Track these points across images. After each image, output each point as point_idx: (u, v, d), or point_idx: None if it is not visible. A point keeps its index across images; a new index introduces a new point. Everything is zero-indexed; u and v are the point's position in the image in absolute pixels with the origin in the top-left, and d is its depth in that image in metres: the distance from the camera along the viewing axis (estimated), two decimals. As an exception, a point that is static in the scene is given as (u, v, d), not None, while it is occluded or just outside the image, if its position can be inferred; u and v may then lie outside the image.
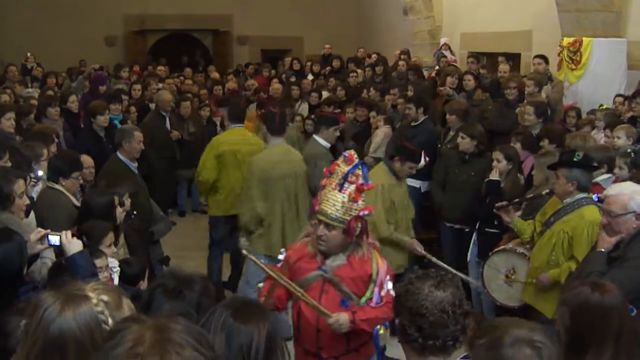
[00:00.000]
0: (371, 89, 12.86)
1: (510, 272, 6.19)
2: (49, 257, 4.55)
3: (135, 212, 6.05)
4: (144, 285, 5.08)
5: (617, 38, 10.73)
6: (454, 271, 6.09)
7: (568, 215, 5.57)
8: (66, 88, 13.78)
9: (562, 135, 7.65)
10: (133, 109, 11.45)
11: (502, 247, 6.43)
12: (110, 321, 2.34)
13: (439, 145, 8.83)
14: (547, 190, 5.97)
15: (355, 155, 4.32)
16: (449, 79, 10.82)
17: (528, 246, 6.12)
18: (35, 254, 4.28)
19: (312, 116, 11.06)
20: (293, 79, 14.80)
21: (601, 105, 9.54)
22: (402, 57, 15.25)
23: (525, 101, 9.15)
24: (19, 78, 14.11)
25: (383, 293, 4.28)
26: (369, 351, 4.54)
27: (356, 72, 14.78)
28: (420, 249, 6.82)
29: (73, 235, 4.16)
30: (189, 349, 1.77)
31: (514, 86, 9.61)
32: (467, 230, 7.43)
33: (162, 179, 10.10)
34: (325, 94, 13.25)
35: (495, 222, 6.72)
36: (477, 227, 7.14)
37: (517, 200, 6.37)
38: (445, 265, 6.39)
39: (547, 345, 2.28)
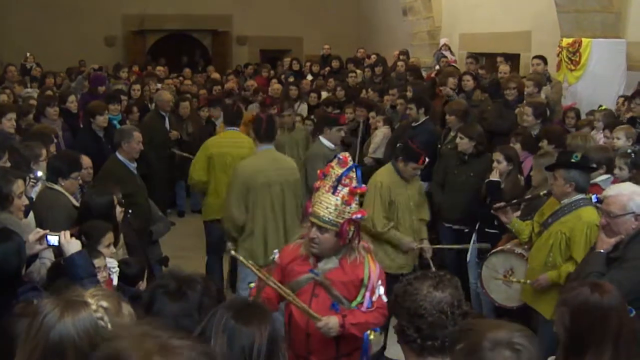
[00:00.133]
0: (369, 89, 12.87)
1: (509, 272, 6.19)
2: (48, 257, 4.55)
3: (130, 211, 6.02)
4: (143, 285, 5.09)
5: (617, 39, 10.72)
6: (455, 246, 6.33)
7: (566, 216, 5.56)
8: (65, 88, 13.78)
9: (561, 135, 7.65)
10: (135, 109, 11.45)
11: (500, 247, 6.43)
12: (110, 327, 2.34)
13: (439, 146, 8.83)
14: (545, 191, 5.97)
15: (350, 158, 4.28)
16: (450, 80, 10.81)
17: (526, 247, 6.12)
18: (34, 254, 4.27)
19: (312, 117, 11.06)
20: (291, 79, 14.81)
21: (600, 106, 9.53)
22: (401, 57, 15.24)
23: (524, 102, 9.15)
24: (18, 78, 14.12)
25: (374, 298, 4.25)
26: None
27: (355, 72, 14.79)
28: (414, 246, 6.82)
29: (72, 236, 4.16)
30: None
31: (514, 87, 9.62)
32: (466, 230, 7.42)
33: (160, 179, 10.11)
34: (324, 94, 13.25)
35: (495, 223, 6.72)
36: (476, 227, 7.14)
37: (515, 201, 6.37)
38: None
39: (527, 347, 2.26)
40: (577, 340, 3.24)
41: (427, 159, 6.87)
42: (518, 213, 6.38)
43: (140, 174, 7.54)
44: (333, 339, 4.24)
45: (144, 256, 6.11)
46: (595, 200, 5.50)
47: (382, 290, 4.28)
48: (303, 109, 12.43)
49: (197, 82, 16.26)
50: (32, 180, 5.92)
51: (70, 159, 6.37)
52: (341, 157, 4.27)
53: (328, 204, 4.18)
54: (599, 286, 3.37)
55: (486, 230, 6.99)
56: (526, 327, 2.44)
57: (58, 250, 4.26)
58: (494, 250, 6.43)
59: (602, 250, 4.72)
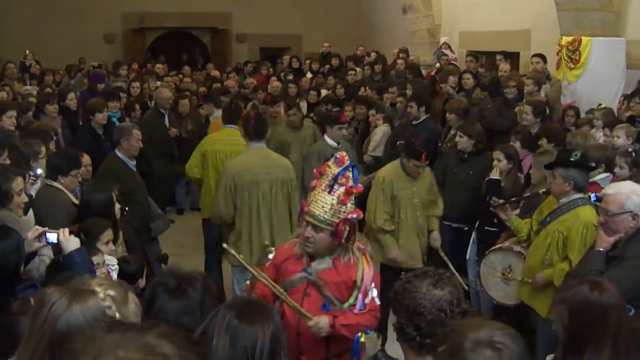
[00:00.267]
0: (367, 87, 12.86)
1: (507, 270, 6.19)
2: (47, 254, 4.55)
3: (127, 208, 6.01)
4: (142, 283, 5.09)
5: (616, 37, 10.73)
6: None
7: (564, 215, 5.54)
8: (65, 86, 13.77)
9: (560, 134, 7.65)
10: (137, 106, 11.46)
11: (499, 245, 6.44)
12: (117, 316, 2.33)
13: (440, 144, 8.83)
14: (544, 190, 5.96)
15: (347, 157, 4.25)
16: (451, 78, 10.81)
17: (525, 245, 6.11)
18: (33, 251, 4.28)
19: (311, 115, 11.06)
20: (290, 77, 14.81)
21: (600, 104, 9.54)
22: (400, 55, 15.24)
23: (524, 100, 9.15)
24: (17, 75, 14.12)
25: (367, 300, 4.22)
26: None
27: (355, 70, 14.80)
28: (396, 256, 6.87)
29: (71, 233, 4.16)
30: None
31: (513, 85, 9.62)
32: (466, 229, 7.43)
33: (160, 177, 10.10)
34: (323, 92, 13.25)
35: (495, 221, 6.73)
36: (476, 225, 7.15)
37: (514, 198, 6.38)
38: None
39: (508, 345, 2.25)
40: (576, 339, 3.25)
41: (428, 157, 6.92)
42: (517, 211, 6.38)
43: (140, 172, 7.53)
44: (323, 339, 4.21)
45: (143, 254, 6.11)
46: (594, 198, 5.49)
47: (375, 292, 4.25)
48: (302, 106, 12.42)
49: (197, 79, 16.26)
50: (31, 177, 5.92)
51: (70, 157, 6.36)
52: (338, 156, 4.23)
53: (324, 203, 4.15)
54: (598, 284, 3.37)
55: (485, 228, 7.00)
56: (508, 326, 2.41)
57: (57, 247, 4.26)
58: (492, 248, 6.43)
59: (601, 249, 4.72)
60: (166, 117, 10.82)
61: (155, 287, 3.00)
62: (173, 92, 12.37)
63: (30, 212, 5.48)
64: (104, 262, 4.63)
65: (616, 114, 9.07)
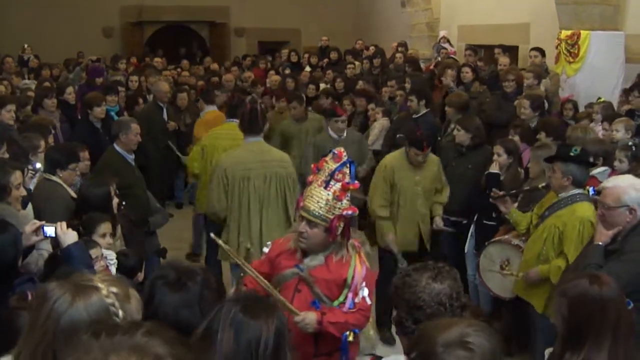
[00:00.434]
0: (360, 82, 12.83)
1: (505, 263, 6.19)
2: (46, 248, 4.54)
3: (124, 203, 5.99)
4: (141, 277, 5.09)
5: (615, 31, 10.72)
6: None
7: (561, 210, 5.53)
8: (63, 79, 13.76)
9: (558, 128, 7.66)
10: (140, 100, 11.46)
11: (498, 237, 6.45)
12: (120, 313, 2.33)
13: (439, 138, 8.82)
14: (544, 184, 5.96)
15: (344, 153, 4.20)
16: (449, 72, 10.80)
17: (524, 238, 6.11)
18: (31, 245, 4.27)
19: (309, 108, 11.04)
20: (287, 71, 14.80)
21: (599, 98, 9.53)
22: (399, 49, 15.23)
23: (523, 94, 9.15)
24: (15, 69, 14.10)
25: (357, 300, 4.19)
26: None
27: (354, 64, 14.78)
28: (393, 247, 6.97)
29: (68, 227, 4.15)
30: None
31: (512, 79, 9.62)
32: (464, 222, 7.43)
33: (158, 171, 10.10)
34: (322, 86, 13.23)
35: (493, 215, 6.74)
36: (475, 219, 7.15)
37: (513, 191, 6.37)
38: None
39: (480, 344, 2.23)
40: (576, 332, 3.24)
41: (430, 146, 7.01)
42: (515, 204, 6.38)
43: (138, 165, 7.52)
44: (312, 336, 4.18)
45: (141, 248, 6.12)
46: (593, 192, 5.49)
47: (366, 292, 4.21)
48: (300, 100, 12.42)
49: (195, 73, 16.23)
50: (30, 171, 5.92)
51: (68, 151, 6.36)
52: (336, 151, 4.20)
53: (319, 198, 4.11)
54: (598, 278, 3.37)
55: (484, 222, 7.00)
56: (479, 322, 2.39)
57: (56, 241, 4.25)
58: (492, 240, 6.44)
59: (600, 243, 4.72)
60: (164, 110, 10.81)
61: (155, 280, 3.00)
62: (171, 86, 12.35)
63: (29, 206, 5.48)
64: (102, 255, 4.62)
65: (616, 108, 9.07)
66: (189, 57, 19.57)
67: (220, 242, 4.42)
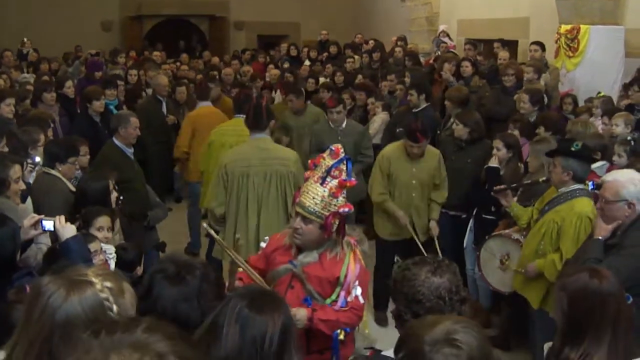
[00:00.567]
0: (359, 76, 12.82)
1: (505, 258, 6.20)
2: (45, 242, 4.54)
3: (122, 198, 5.98)
4: (140, 270, 5.09)
5: (615, 26, 10.70)
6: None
7: (561, 205, 5.50)
8: (62, 73, 13.75)
9: (557, 122, 7.65)
10: (144, 93, 11.45)
11: (499, 232, 6.44)
12: (115, 307, 2.33)
13: (438, 132, 8.82)
14: (545, 178, 5.95)
15: (342, 150, 4.16)
16: (446, 66, 10.80)
17: (524, 233, 6.10)
18: (29, 239, 4.27)
19: (308, 102, 11.03)
20: (286, 65, 14.79)
21: (599, 92, 9.52)
22: (398, 43, 15.21)
23: (523, 88, 9.15)
24: (14, 63, 14.09)
25: (350, 298, 4.16)
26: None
27: (353, 58, 14.77)
28: (405, 222, 7.09)
29: (67, 221, 4.15)
30: None
31: (512, 73, 9.61)
32: (464, 216, 7.43)
33: (158, 165, 10.09)
34: (321, 80, 13.22)
35: (492, 209, 6.74)
36: (474, 213, 7.15)
37: (514, 185, 6.36)
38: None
39: (468, 341, 2.21)
40: (575, 326, 3.24)
41: (425, 140, 6.98)
42: (515, 199, 6.37)
43: (137, 159, 7.51)
44: (304, 333, 4.13)
45: (141, 241, 6.11)
46: (592, 187, 5.48)
47: (359, 291, 4.18)
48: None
49: (194, 67, 16.22)
50: (30, 165, 5.91)
51: (67, 144, 6.36)
52: (333, 148, 4.16)
53: (315, 194, 4.08)
54: (598, 272, 3.37)
55: (483, 216, 7.00)
56: (466, 319, 2.38)
57: (55, 235, 4.25)
58: (493, 234, 6.44)
59: (600, 237, 4.72)
60: (164, 104, 10.80)
61: (155, 274, 3.00)
62: (170, 80, 12.35)
63: (29, 199, 5.48)
64: (101, 249, 4.62)
65: (615, 103, 9.06)
66: (188, 51, 19.55)
67: (211, 231, 4.42)
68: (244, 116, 6.85)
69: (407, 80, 10.56)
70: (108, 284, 2.37)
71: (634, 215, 4.65)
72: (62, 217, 4.15)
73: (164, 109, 10.76)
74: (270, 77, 13.11)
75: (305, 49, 17.00)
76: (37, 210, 5.15)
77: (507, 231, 6.33)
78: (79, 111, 9.98)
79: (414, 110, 9.17)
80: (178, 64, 16.41)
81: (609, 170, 6.22)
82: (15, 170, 4.87)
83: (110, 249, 4.86)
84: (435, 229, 7.22)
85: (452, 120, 8.52)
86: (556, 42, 11.04)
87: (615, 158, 6.52)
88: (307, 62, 15.95)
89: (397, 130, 8.83)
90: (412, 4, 17.33)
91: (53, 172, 5.95)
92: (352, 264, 4.19)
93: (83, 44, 17.69)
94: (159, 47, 19.23)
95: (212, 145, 7.79)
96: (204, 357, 2.42)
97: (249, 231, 6.13)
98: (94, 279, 2.36)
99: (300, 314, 4.06)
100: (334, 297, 4.18)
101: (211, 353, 2.46)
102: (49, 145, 6.32)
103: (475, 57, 12.41)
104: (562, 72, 10.77)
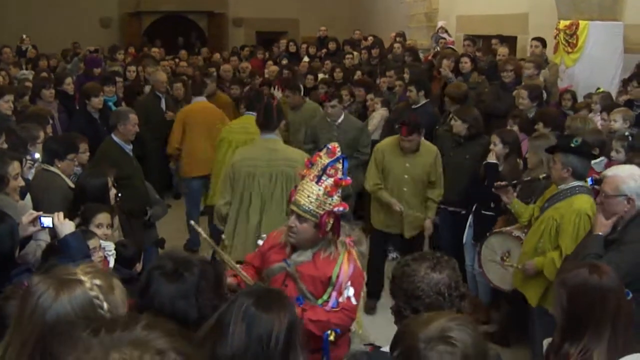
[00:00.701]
0: (358, 72, 12.81)
1: (505, 255, 6.19)
2: (43, 239, 4.53)
3: (120, 195, 5.97)
4: (139, 267, 5.09)
5: (614, 21, 10.70)
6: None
7: (560, 202, 5.50)
8: (61, 70, 13.73)
9: (556, 118, 7.65)
10: (147, 89, 11.45)
11: (500, 229, 6.44)
12: (105, 305, 2.33)
13: (437, 128, 8.81)
14: (544, 174, 5.94)
15: (338, 148, 4.14)
16: (445, 62, 10.79)
17: (525, 230, 6.09)
18: (28, 236, 4.26)
19: (307, 98, 11.02)
20: (285, 62, 14.78)
21: (598, 88, 9.52)
22: (397, 39, 15.19)
23: (522, 84, 9.14)
24: (13, 60, 14.07)
25: (342, 299, 4.13)
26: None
27: (352, 54, 14.76)
28: (398, 207, 7.24)
29: (65, 217, 4.15)
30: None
31: (511, 69, 9.61)
32: (463, 212, 7.42)
33: (156, 161, 10.08)
34: (320, 76, 13.21)
35: (492, 205, 6.73)
36: (473, 209, 7.14)
37: (514, 181, 6.35)
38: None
39: (462, 338, 2.21)
40: (575, 322, 3.24)
41: (414, 135, 7.09)
42: (515, 195, 6.36)
43: (135, 156, 7.50)
44: None
45: (140, 238, 6.11)
46: (591, 183, 5.47)
47: (351, 292, 4.14)
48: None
49: (193, 63, 16.20)
50: (29, 161, 5.91)
51: (67, 141, 6.35)
52: (330, 146, 4.14)
53: (310, 193, 4.07)
54: (597, 267, 3.37)
55: (482, 212, 6.99)
56: (461, 316, 2.37)
57: (54, 232, 4.25)
58: (494, 231, 6.44)
59: (600, 233, 4.72)
60: (163, 100, 10.79)
61: (153, 270, 2.99)
62: (169, 76, 12.33)
63: (28, 196, 5.47)
64: (100, 246, 4.62)
65: (614, 98, 9.06)
66: (187, 47, 19.55)
67: (199, 229, 4.42)
68: (255, 114, 6.81)
69: (406, 76, 10.55)
70: (97, 281, 2.36)
71: (633, 210, 4.65)
72: (61, 214, 4.15)
73: (163, 105, 10.75)
74: (269, 74, 13.09)
75: (304, 46, 16.97)
76: (36, 206, 5.14)
77: (508, 228, 6.32)
78: (77, 108, 9.96)
79: (413, 107, 9.15)
80: (177, 60, 16.40)
81: (607, 166, 6.22)
82: (14, 167, 4.86)
83: (110, 246, 4.87)
84: (428, 230, 7.35)
85: (451, 116, 8.52)
86: (555, 37, 11.04)
87: (613, 154, 6.52)
88: (306, 59, 15.94)
89: (396, 126, 8.83)
90: (411, 0, 17.31)
91: (52, 168, 5.95)
92: (345, 265, 4.16)
93: (82, 41, 17.65)
94: (158, 43, 19.22)
95: (221, 143, 7.80)
96: (203, 353, 2.42)
97: (248, 231, 6.12)
98: (83, 278, 2.35)
99: None
100: (325, 297, 4.15)
101: (217, 351, 2.46)
102: (48, 141, 6.32)
103: (474, 53, 12.41)
104: (561, 68, 10.77)
